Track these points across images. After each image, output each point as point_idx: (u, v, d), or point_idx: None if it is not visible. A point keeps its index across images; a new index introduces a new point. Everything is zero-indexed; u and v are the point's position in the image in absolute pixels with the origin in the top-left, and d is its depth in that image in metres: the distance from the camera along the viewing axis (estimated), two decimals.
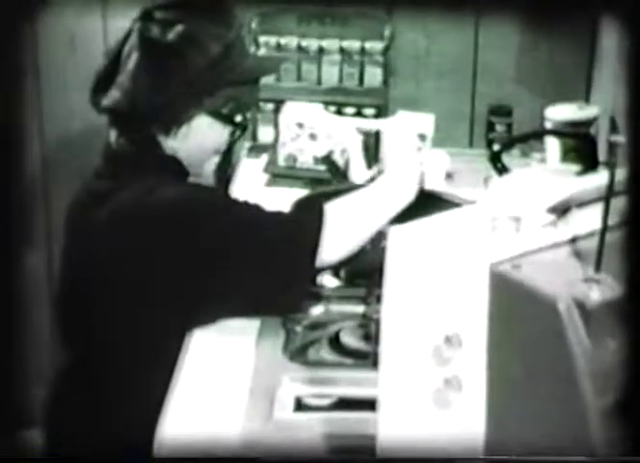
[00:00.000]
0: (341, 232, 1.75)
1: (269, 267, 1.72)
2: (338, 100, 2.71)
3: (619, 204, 1.23)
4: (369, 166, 2.02)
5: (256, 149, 2.66)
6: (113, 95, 1.75)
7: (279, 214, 1.78)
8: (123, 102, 1.74)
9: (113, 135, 1.81)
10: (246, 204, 1.78)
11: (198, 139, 1.79)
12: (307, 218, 1.76)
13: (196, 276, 1.71)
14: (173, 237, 1.71)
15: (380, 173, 1.94)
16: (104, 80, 1.78)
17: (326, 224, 1.73)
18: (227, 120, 1.81)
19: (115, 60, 1.77)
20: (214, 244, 1.71)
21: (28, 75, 2.70)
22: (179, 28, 1.74)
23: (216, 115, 1.79)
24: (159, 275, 1.72)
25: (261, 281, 1.72)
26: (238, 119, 1.83)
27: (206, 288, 1.72)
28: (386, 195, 1.84)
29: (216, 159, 1.86)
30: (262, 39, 2.75)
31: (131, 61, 1.74)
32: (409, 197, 1.85)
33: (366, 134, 2.08)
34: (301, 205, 1.88)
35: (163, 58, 1.74)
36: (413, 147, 1.94)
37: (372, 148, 2.16)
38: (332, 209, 1.76)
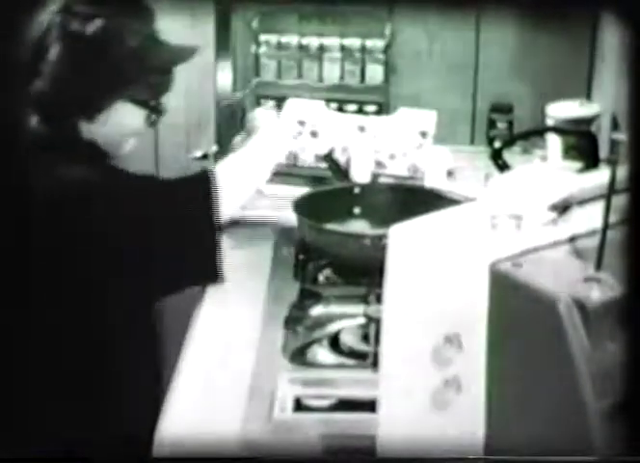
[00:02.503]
0: (233, 187, 1.92)
1: (178, 231, 1.85)
2: (340, 98, 2.71)
3: (620, 201, 1.22)
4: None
5: None
6: (38, 87, 1.83)
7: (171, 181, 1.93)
8: (48, 93, 1.82)
9: (33, 122, 1.86)
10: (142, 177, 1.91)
11: (116, 123, 1.88)
12: (199, 179, 1.90)
13: (119, 257, 1.79)
14: (88, 221, 1.79)
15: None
16: (25, 72, 1.84)
17: (219, 181, 1.88)
18: (144, 105, 1.91)
19: (36, 53, 1.84)
20: (119, 223, 1.80)
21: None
22: (99, 21, 1.83)
23: (134, 101, 1.89)
24: (97, 261, 1.78)
25: (175, 246, 1.84)
26: (153, 104, 1.93)
27: (130, 268, 1.80)
28: (260, 153, 2.03)
29: (133, 141, 1.94)
30: (263, 37, 2.75)
31: (53, 54, 1.82)
32: (278, 155, 2.08)
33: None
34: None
35: (85, 51, 1.83)
36: (284, 120, 2.19)
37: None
38: (221, 169, 1.92)
